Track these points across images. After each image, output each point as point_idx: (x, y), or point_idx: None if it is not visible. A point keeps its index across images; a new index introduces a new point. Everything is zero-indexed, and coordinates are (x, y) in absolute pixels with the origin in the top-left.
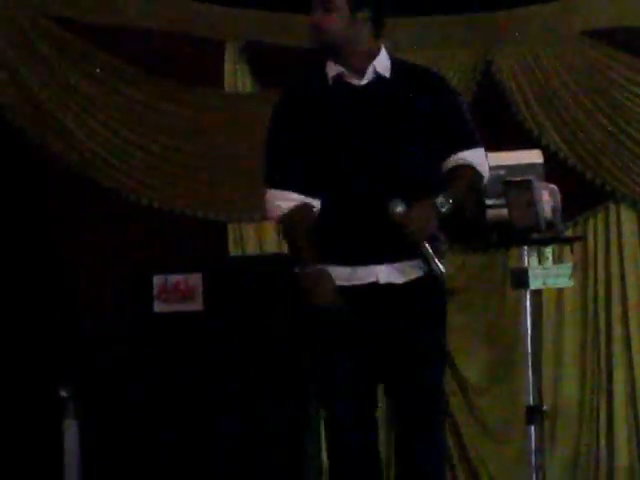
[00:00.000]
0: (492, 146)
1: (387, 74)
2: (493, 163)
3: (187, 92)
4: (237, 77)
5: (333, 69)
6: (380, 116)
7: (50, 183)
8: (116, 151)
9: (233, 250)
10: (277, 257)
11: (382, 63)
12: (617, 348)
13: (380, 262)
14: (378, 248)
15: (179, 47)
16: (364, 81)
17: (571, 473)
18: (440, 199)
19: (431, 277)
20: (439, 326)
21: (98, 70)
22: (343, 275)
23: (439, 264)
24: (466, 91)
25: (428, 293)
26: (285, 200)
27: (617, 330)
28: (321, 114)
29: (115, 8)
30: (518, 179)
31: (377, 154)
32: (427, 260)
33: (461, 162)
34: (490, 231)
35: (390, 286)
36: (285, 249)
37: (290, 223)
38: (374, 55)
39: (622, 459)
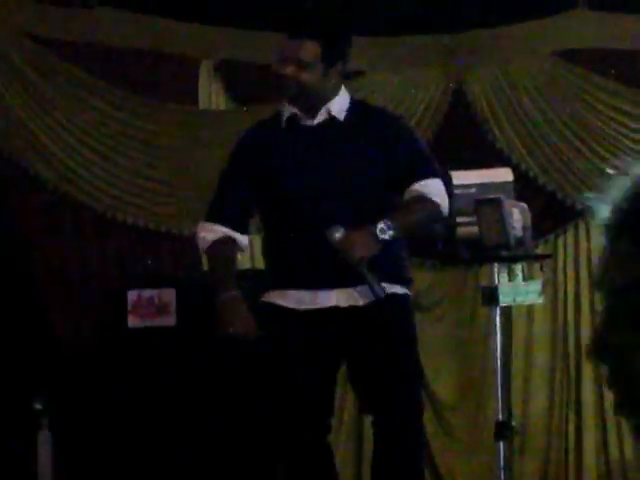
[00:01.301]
0: (463, 165)
1: (341, 116)
2: (464, 181)
3: (161, 109)
4: (212, 95)
5: (287, 109)
6: (329, 154)
7: (24, 198)
8: (91, 167)
9: (206, 266)
10: (250, 273)
11: (338, 105)
12: (586, 364)
13: (337, 286)
14: (332, 274)
15: (154, 65)
16: (315, 121)
17: None
18: (380, 225)
19: (378, 299)
20: (410, 344)
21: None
22: (306, 299)
23: (380, 287)
24: (437, 111)
25: (394, 313)
26: (210, 232)
27: (586, 346)
28: (274, 153)
29: (89, 25)
30: (488, 197)
31: (327, 190)
32: (368, 283)
33: (414, 194)
34: (461, 248)
35: (353, 309)
36: (259, 265)
37: (212, 253)
38: (330, 97)
39: (591, 474)
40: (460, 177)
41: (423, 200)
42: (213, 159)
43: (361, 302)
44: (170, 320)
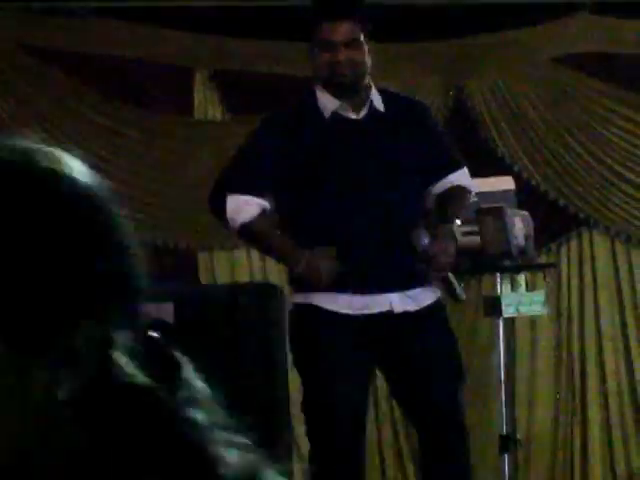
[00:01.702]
0: None
1: (381, 108)
2: None
3: (156, 120)
4: (207, 105)
5: (332, 102)
6: (378, 149)
7: None
8: None
9: (204, 279)
10: (250, 286)
11: (375, 96)
12: (591, 376)
13: (393, 290)
14: (389, 276)
15: (148, 74)
16: (361, 115)
17: None
18: (454, 226)
19: (444, 302)
20: (455, 348)
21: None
22: (359, 303)
23: (462, 290)
24: (437, 117)
25: (441, 318)
26: (252, 205)
27: (591, 358)
28: (319, 147)
29: (82, 35)
30: (490, 206)
31: (378, 186)
32: (452, 287)
33: (450, 185)
34: (462, 258)
35: (405, 314)
36: (258, 277)
37: (260, 227)
38: (370, 88)
39: None
40: None
41: (466, 192)
42: (209, 169)
43: (414, 307)
44: None
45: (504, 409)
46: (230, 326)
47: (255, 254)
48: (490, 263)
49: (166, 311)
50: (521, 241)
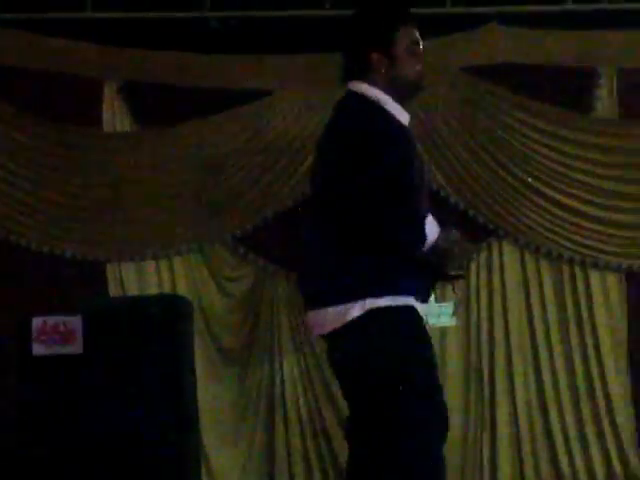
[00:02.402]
0: None
1: None
2: None
3: (65, 131)
4: (116, 116)
5: (404, 115)
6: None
7: None
8: None
9: (113, 291)
10: (159, 298)
11: None
12: (500, 386)
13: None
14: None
15: (57, 86)
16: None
17: None
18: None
19: None
20: None
21: None
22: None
23: None
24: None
25: None
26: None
27: (500, 368)
28: (417, 161)
29: None
30: None
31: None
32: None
33: None
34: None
35: None
36: (166, 289)
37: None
38: None
39: None
40: None
41: None
42: (118, 180)
43: None
44: (76, 348)
45: None
46: (139, 337)
47: (164, 265)
48: None
49: (75, 324)
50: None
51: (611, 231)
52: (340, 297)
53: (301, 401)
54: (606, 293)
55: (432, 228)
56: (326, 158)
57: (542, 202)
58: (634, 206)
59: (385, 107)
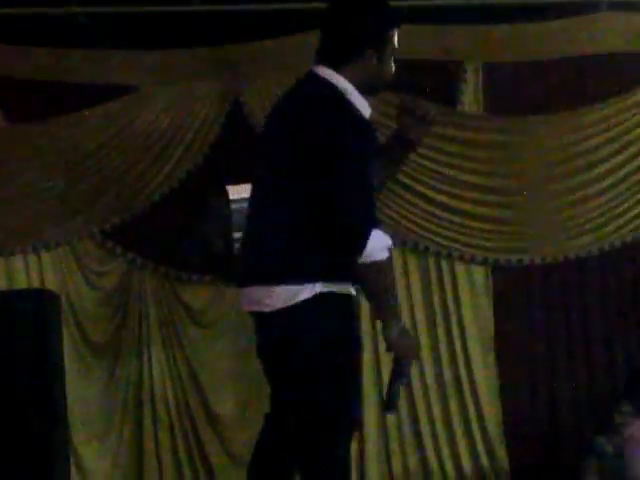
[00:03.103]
0: (241, 179)
1: None
2: (242, 195)
3: None
4: None
5: (368, 109)
6: None
7: None
8: None
9: None
10: (27, 292)
11: None
12: (367, 379)
13: None
14: None
15: None
16: None
17: None
18: None
19: None
20: None
21: None
22: None
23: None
24: (215, 124)
25: None
26: (387, 241)
27: (366, 360)
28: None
29: None
30: None
31: None
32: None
33: None
34: (238, 264)
35: None
36: (35, 284)
37: (389, 267)
38: None
39: None
40: (238, 191)
41: None
42: None
43: None
44: None
45: None
46: (7, 332)
47: (32, 260)
48: None
49: None
50: None
51: (477, 225)
52: (291, 278)
53: (169, 395)
54: (472, 286)
55: (382, 236)
56: (281, 138)
57: (408, 196)
58: (499, 200)
59: (350, 99)
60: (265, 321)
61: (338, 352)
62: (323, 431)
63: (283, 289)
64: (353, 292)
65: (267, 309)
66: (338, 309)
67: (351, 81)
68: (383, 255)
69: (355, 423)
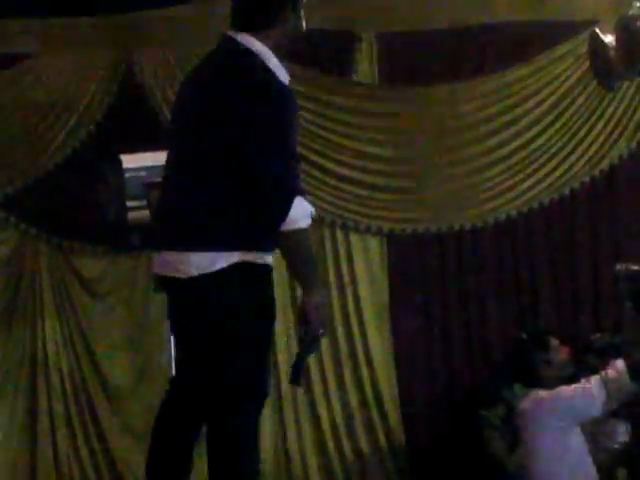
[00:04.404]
0: (134, 147)
1: None
2: (134, 164)
3: None
4: None
5: (286, 76)
6: None
7: None
8: None
9: None
10: None
11: None
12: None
13: None
14: None
15: None
16: None
17: None
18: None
19: None
20: None
21: None
22: None
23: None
24: (107, 93)
25: None
26: (309, 209)
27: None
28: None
29: None
30: (159, 180)
31: None
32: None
33: None
34: (132, 233)
35: None
36: None
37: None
38: None
39: (268, 459)
40: (130, 160)
41: None
42: None
43: None
44: None
45: None
46: None
47: None
48: None
49: None
50: None
51: (372, 194)
52: (208, 245)
53: (64, 365)
54: (367, 256)
55: (304, 203)
56: (200, 106)
57: (303, 166)
58: (394, 169)
59: (269, 66)
60: (178, 287)
61: (251, 322)
62: (231, 400)
63: (199, 256)
64: (271, 262)
65: (181, 275)
66: (254, 279)
67: (269, 45)
68: (306, 223)
69: (264, 395)
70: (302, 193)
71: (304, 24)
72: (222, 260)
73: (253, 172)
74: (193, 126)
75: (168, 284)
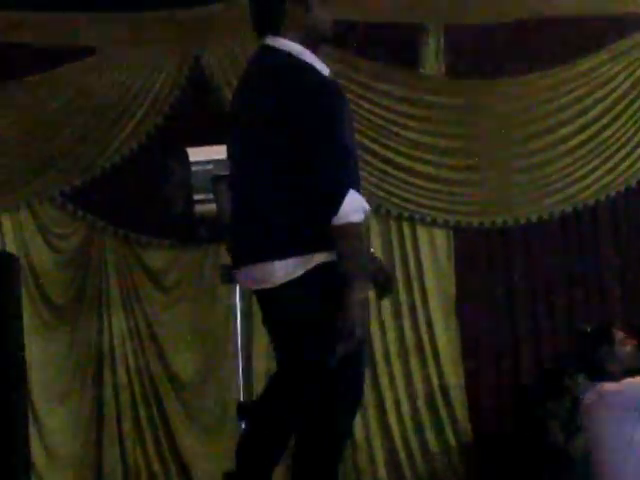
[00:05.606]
0: (201, 141)
1: None
2: (201, 158)
3: None
4: None
5: (326, 69)
6: None
7: None
8: None
9: None
10: None
11: None
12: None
13: None
14: None
15: None
16: None
17: None
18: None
19: None
20: None
21: None
22: None
23: None
24: (175, 86)
25: None
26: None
27: None
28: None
29: None
30: (227, 173)
31: None
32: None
33: None
34: (199, 226)
35: None
36: None
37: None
38: None
39: None
40: (197, 153)
41: None
42: None
43: None
44: None
45: (241, 376)
46: None
47: None
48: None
49: None
50: None
51: (438, 187)
52: (287, 252)
53: (130, 357)
54: (434, 249)
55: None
56: (256, 114)
57: (370, 159)
58: (460, 163)
59: (307, 60)
60: (269, 296)
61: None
62: (333, 403)
63: (282, 264)
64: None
65: (269, 285)
66: (335, 278)
67: (296, 42)
68: (358, 217)
69: (361, 399)
70: (355, 187)
71: (324, 16)
72: (303, 264)
73: (311, 170)
74: (250, 134)
75: (258, 295)
